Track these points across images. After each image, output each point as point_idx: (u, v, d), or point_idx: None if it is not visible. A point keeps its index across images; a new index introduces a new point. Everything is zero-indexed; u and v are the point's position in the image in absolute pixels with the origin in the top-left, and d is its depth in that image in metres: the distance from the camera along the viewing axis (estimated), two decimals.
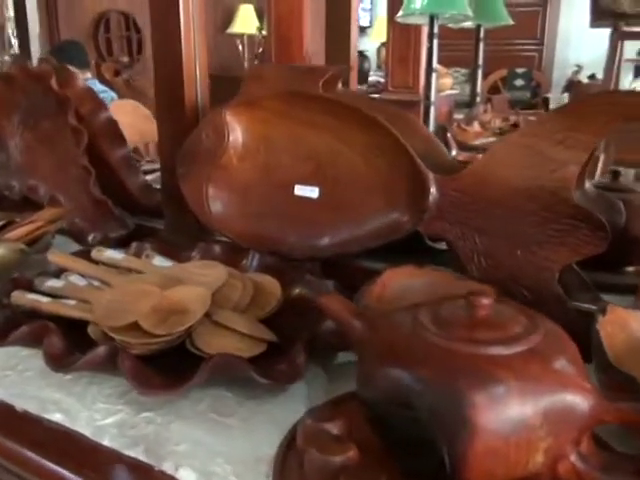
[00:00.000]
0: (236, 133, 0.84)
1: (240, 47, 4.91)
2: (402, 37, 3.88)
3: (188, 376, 0.55)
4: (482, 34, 3.15)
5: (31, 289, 0.72)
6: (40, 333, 0.59)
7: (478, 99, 3.46)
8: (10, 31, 4.80)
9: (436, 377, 0.41)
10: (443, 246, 0.87)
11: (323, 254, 0.80)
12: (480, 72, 3.28)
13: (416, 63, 3.86)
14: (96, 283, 0.72)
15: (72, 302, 0.67)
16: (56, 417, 0.56)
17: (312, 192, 0.81)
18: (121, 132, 1.05)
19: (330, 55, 1.24)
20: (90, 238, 1.02)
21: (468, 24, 3.36)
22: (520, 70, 4.86)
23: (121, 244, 1.00)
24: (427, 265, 0.72)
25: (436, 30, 2.91)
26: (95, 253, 0.78)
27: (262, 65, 0.86)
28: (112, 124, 1.04)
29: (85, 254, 0.80)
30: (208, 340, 0.60)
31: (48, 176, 1.07)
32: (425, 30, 3.60)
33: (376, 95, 4.13)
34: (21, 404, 0.58)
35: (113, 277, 0.71)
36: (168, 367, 0.59)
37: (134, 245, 0.84)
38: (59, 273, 0.77)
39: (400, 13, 2.54)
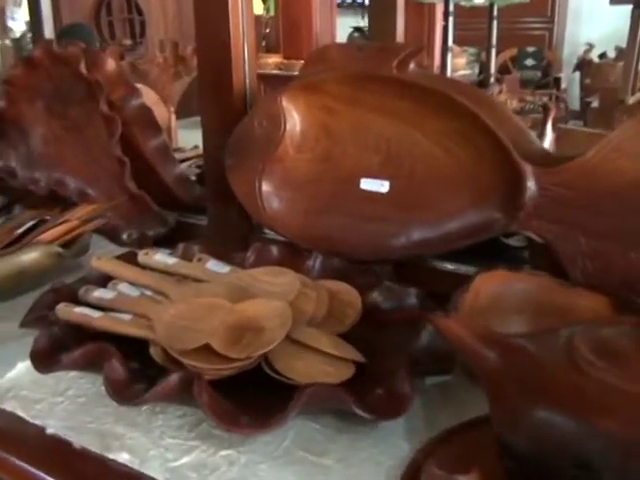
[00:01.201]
0: (293, 121, 0.75)
1: None
2: (416, 16, 3.77)
3: (276, 410, 0.47)
4: (495, 12, 3.05)
5: (75, 300, 0.64)
6: (98, 357, 0.52)
7: (492, 79, 3.36)
8: (9, 14, 4.68)
9: (625, 431, 0.33)
10: (518, 242, 0.79)
11: (394, 256, 0.72)
12: (494, 51, 3.18)
13: (430, 42, 3.75)
14: (148, 292, 0.64)
15: (127, 317, 0.59)
16: (122, 457, 0.48)
17: (381, 186, 0.73)
18: (155, 119, 0.96)
19: (374, 33, 1.15)
20: (125, 236, 0.94)
21: (481, 2, 3.24)
22: (531, 49, 4.75)
23: (159, 243, 0.92)
24: (523, 269, 0.64)
25: (452, 8, 2.82)
26: (143, 257, 0.70)
27: (326, 45, 0.77)
28: (145, 111, 0.96)
29: (130, 257, 0.72)
30: (290, 363, 0.52)
31: (77, 169, 0.99)
32: (440, 8, 3.49)
33: None
34: (79, 439, 0.50)
35: (170, 287, 0.62)
36: (235, 390, 0.51)
37: (181, 247, 0.76)
38: (102, 280, 0.69)
39: None
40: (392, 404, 0.48)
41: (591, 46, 4.45)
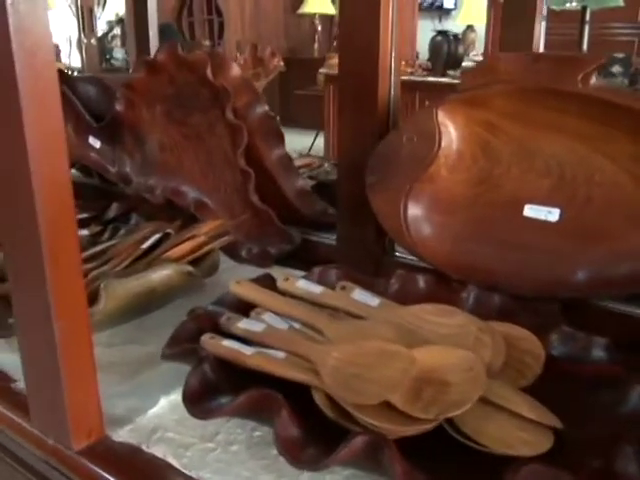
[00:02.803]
0: (449, 137, 0.68)
1: (319, 28, 4.81)
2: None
3: None
4: (588, 16, 2.89)
5: (216, 329, 0.58)
6: (264, 406, 0.46)
7: None
8: (97, 14, 4.79)
9: None
10: None
11: (562, 294, 0.64)
12: None
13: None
14: (296, 324, 0.58)
15: (281, 354, 0.53)
16: None
17: (550, 214, 0.64)
18: (278, 128, 0.91)
19: (508, 41, 1.06)
20: (244, 252, 0.89)
21: (572, 5, 3.08)
22: (619, 55, 4.53)
23: (282, 261, 0.87)
24: None
25: (545, 12, 2.69)
26: (283, 283, 0.64)
27: (494, 55, 0.68)
28: (268, 119, 0.90)
29: (266, 281, 0.67)
30: (479, 425, 0.45)
31: (194, 178, 0.94)
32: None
33: None
34: None
35: (326, 323, 0.56)
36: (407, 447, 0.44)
37: (317, 271, 0.69)
38: (236, 304, 0.64)
39: None
40: None
41: None
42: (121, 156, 1.02)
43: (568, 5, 3.22)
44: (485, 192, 0.68)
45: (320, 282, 0.67)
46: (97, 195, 1.09)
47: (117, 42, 5.16)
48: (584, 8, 2.96)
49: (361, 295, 0.63)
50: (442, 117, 0.67)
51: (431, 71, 4.26)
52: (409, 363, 0.47)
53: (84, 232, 0.84)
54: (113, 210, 0.96)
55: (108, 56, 4.94)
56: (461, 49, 4.33)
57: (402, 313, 0.57)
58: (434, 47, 4.32)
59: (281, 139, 0.91)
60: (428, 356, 0.49)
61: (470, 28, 4.54)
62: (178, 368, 0.58)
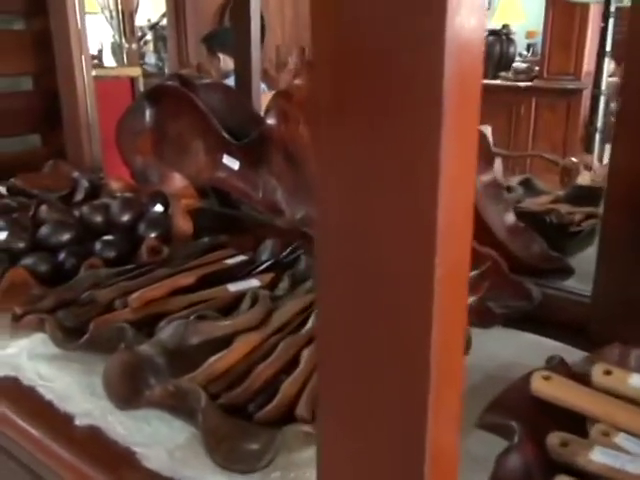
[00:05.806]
0: None
1: None
2: (564, 18, 3.37)
3: None
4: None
5: (543, 457, 0.39)
6: None
7: None
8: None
9: None
10: None
11: None
12: None
13: (580, 47, 3.33)
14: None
15: None
16: None
17: None
18: (489, 147, 0.72)
19: None
20: None
21: None
22: None
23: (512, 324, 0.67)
24: None
25: (613, 8, 2.46)
26: (602, 378, 0.45)
27: None
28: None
29: (561, 369, 0.48)
30: None
31: None
32: (593, 9, 3.10)
33: (528, 83, 3.67)
34: None
35: None
36: None
37: (614, 352, 0.50)
38: (526, 408, 0.45)
39: None
40: None
41: None
42: (269, 180, 0.83)
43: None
44: None
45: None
46: (228, 225, 0.90)
47: (149, 47, 5.10)
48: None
49: None
50: None
51: None
52: None
53: (254, 283, 0.65)
54: (268, 248, 0.76)
55: (141, 61, 4.85)
56: (512, 49, 4.10)
57: None
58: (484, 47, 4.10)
59: (490, 161, 0.72)
60: None
61: (505, 27, 4.31)
62: None
